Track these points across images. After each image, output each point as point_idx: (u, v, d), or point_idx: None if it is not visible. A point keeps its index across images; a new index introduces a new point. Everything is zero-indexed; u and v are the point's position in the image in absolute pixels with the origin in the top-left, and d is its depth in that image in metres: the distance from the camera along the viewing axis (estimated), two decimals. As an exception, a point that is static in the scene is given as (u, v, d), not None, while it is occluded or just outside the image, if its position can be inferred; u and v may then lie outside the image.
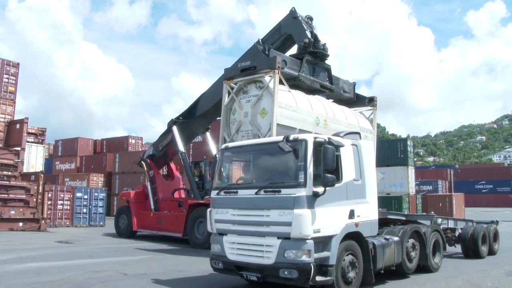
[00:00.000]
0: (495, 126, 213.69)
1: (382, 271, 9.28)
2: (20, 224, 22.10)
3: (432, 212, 18.82)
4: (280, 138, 8.41)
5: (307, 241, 7.60)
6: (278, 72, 12.35)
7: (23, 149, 25.10)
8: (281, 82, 12.22)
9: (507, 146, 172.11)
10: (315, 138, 8.18)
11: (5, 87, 25.51)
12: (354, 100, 15.89)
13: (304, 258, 7.55)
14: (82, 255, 14.20)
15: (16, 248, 15.75)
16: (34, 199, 22.50)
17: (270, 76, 12.42)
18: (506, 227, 26.37)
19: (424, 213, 23.24)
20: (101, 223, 27.51)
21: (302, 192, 7.71)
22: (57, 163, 44.40)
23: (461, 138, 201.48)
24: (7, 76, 25.69)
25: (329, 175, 7.74)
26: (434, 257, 11.34)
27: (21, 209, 22.09)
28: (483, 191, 66.66)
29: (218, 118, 20.02)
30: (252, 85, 13.02)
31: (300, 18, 14.97)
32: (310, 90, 13.82)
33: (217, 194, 9.05)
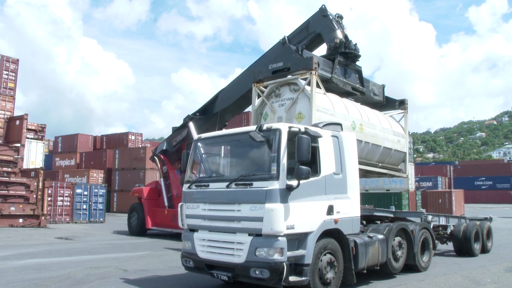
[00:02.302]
0: (495, 122, 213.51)
1: (365, 271, 8.84)
2: (20, 220, 22.15)
3: (423, 209, 18.70)
4: (253, 127, 7.93)
5: (279, 238, 7.16)
6: (315, 73, 11.63)
7: (23, 146, 25.13)
8: (317, 85, 11.64)
9: (507, 143, 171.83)
10: (290, 127, 7.70)
11: (4, 83, 25.53)
12: (384, 104, 15.21)
13: (276, 256, 7.10)
14: (82, 252, 14.22)
15: (16, 244, 15.78)
16: (34, 196, 22.54)
17: (306, 78, 11.71)
18: (506, 223, 26.45)
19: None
20: (101, 219, 27.53)
21: (274, 185, 7.25)
22: (57, 160, 44.42)
23: (461, 135, 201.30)
24: (7, 72, 25.70)
25: (303, 167, 7.26)
26: (423, 256, 10.94)
27: (21, 206, 22.13)
28: (482, 187, 66.59)
29: (236, 115, 19.75)
30: (285, 87, 12.19)
31: (330, 17, 14.17)
32: (341, 93, 13.12)
33: (189, 187, 8.62)
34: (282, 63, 12.32)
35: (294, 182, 7.35)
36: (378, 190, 27.16)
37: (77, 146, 43.84)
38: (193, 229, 8.48)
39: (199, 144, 9.08)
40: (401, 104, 15.24)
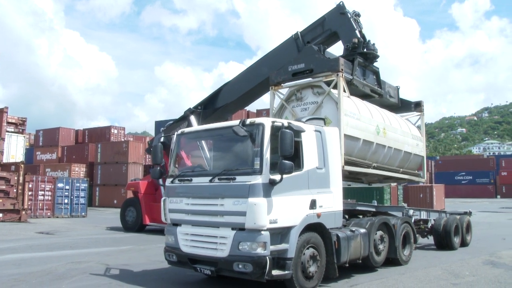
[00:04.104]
0: (475, 118, 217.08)
1: (347, 265, 8.93)
2: (0, 215, 21.80)
3: (404, 204, 18.74)
4: (236, 122, 7.93)
5: (262, 232, 7.21)
6: (342, 75, 11.04)
7: (3, 139, 24.67)
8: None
9: (487, 138, 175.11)
10: (273, 122, 7.74)
11: (-17, 76, 25.01)
12: (399, 106, 14.59)
13: (259, 250, 7.15)
14: (63, 246, 14.08)
15: (-4, 239, 15.55)
16: (15, 190, 22.19)
17: (329, 80, 11.15)
18: (484, 218, 26.95)
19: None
20: (83, 213, 27.28)
21: (257, 180, 7.29)
22: (38, 153, 43.84)
23: (442, 130, 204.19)
24: (-14, 64, 25.17)
25: (286, 161, 7.25)
26: (404, 249, 11.08)
27: (1, 200, 21.77)
28: (463, 182, 67.65)
29: (239, 110, 19.09)
30: (307, 90, 11.56)
31: (348, 15, 13.28)
32: (358, 95, 12.48)
33: (172, 182, 8.64)
34: (304, 65, 11.65)
35: (277, 177, 7.37)
36: (360, 184, 27.32)
37: (58, 140, 43.30)
38: (176, 224, 8.48)
39: (181, 138, 9.04)
40: (417, 106, 14.80)
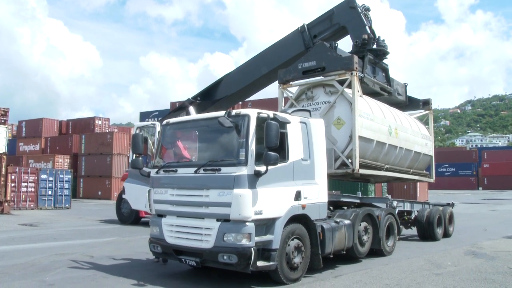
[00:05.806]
0: (458, 111, 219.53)
1: (331, 256, 8.99)
2: (-18, 207, 21.53)
3: (388, 195, 18.80)
4: (222, 113, 7.90)
5: (247, 223, 7.25)
6: (356, 74, 10.63)
7: (-16, 130, 24.31)
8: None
9: (470, 131, 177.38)
10: (258, 113, 7.72)
11: (-36, 65, 24.54)
12: (407, 104, 14.22)
13: (244, 242, 7.19)
14: (47, 238, 13.96)
15: (-22, 231, 15.36)
16: (-3, 181, 21.91)
17: (343, 79, 10.75)
18: (467, 209, 27.37)
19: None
20: (67, 205, 27.08)
21: (242, 171, 7.30)
22: (21, 145, 43.34)
23: (426, 122, 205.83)
24: (-34, 53, 24.70)
25: (271, 152, 7.29)
26: (388, 240, 11.17)
27: (-18, 192, 21.49)
28: (446, 174, 68.43)
29: (240, 102, 18.68)
30: (319, 89, 11.20)
31: (358, 9, 12.67)
32: (368, 93, 12.00)
33: (157, 172, 8.58)
34: (315, 62, 11.21)
35: (262, 168, 7.38)
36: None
37: (42, 130, 42.89)
38: (161, 215, 8.46)
39: (167, 129, 9.00)
40: (425, 104, 14.50)
